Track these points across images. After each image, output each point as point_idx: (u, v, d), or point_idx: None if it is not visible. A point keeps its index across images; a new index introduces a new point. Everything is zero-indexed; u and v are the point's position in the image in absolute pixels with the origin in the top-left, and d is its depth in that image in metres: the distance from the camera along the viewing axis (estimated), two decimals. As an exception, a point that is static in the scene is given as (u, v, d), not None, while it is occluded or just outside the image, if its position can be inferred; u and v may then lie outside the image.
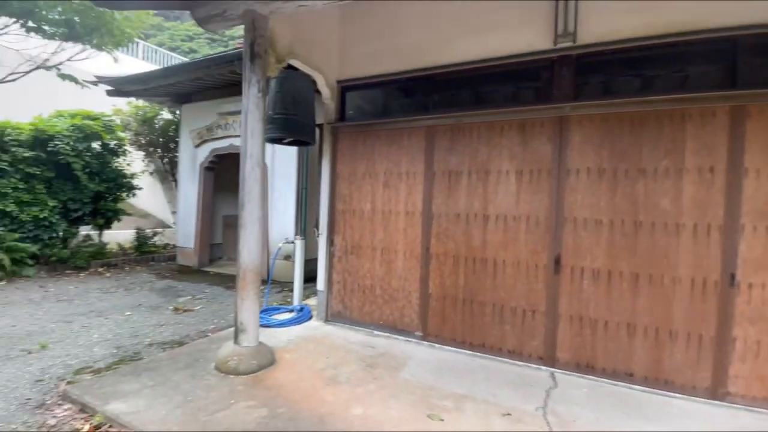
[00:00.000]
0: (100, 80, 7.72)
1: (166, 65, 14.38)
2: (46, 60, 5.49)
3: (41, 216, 6.50)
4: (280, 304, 5.13)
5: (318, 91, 4.30)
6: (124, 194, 8.13)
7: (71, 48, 5.96)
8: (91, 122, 7.27)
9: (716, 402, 2.79)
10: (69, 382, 2.96)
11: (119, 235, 8.74)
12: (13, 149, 6.39)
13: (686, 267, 2.89)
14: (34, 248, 6.33)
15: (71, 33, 5.04)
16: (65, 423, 2.45)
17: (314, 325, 4.25)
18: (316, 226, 4.57)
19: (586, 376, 3.19)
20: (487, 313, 3.58)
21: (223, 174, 8.50)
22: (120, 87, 7.84)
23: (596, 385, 3.09)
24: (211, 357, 3.32)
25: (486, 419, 2.51)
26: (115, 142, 7.81)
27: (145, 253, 8.47)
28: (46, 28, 4.81)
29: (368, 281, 4.11)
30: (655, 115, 3.01)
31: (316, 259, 4.41)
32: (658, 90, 3.19)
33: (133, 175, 8.43)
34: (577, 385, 3.07)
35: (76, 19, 4.77)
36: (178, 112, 9.72)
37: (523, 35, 3.47)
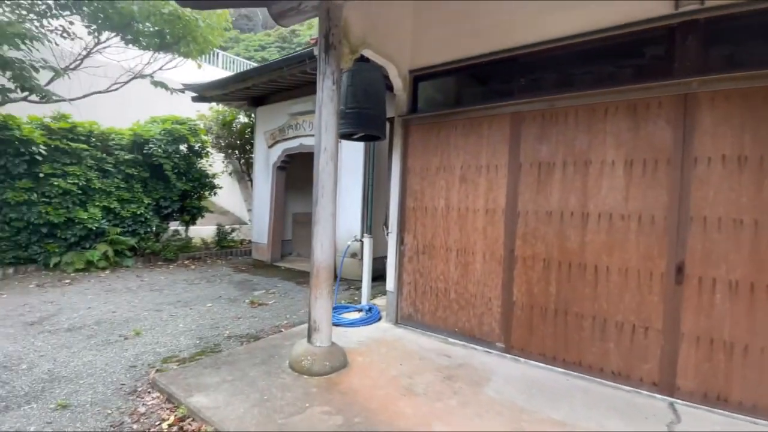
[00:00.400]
0: (186, 87, 8.38)
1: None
2: (141, 70, 6.01)
3: (138, 212, 7.21)
4: (348, 302, 5.06)
5: (388, 84, 4.12)
6: (206, 193, 8.75)
7: (161, 59, 6.48)
8: (179, 126, 7.92)
9: None
10: (158, 370, 3.10)
11: (202, 231, 9.45)
12: (116, 152, 7.16)
13: None
14: (132, 241, 7.03)
15: (162, 43, 5.46)
16: (153, 412, 2.53)
17: (384, 327, 4.07)
18: (386, 224, 4.39)
19: (718, 410, 2.59)
20: (585, 326, 3.10)
21: (294, 173, 8.77)
22: (203, 93, 8.44)
23: (731, 422, 2.49)
24: (285, 354, 3.30)
25: (595, 457, 2.10)
26: (198, 144, 8.42)
27: (225, 247, 9.05)
28: (141, 39, 5.25)
29: (441, 284, 3.82)
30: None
31: (382, 258, 4.23)
32: (829, 52, 2.47)
33: (214, 175, 9.05)
34: (707, 421, 2.50)
35: (166, 29, 5.13)
36: (253, 115, 10.28)
37: (633, 1, 2.92)
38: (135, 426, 2.38)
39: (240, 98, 8.75)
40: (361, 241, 4.80)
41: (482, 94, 4.01)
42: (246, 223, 11.11)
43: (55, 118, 6.57)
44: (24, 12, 3.93)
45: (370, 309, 4.46)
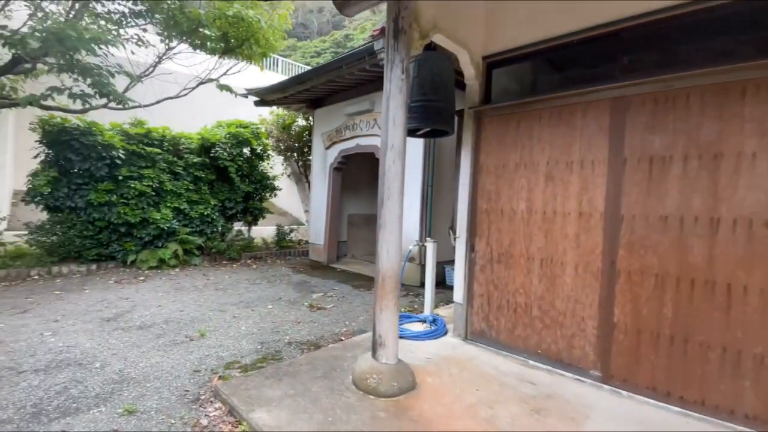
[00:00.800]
0: (249, 92, 8.63)
1: (300, 77, 15.79)
2: (208, 74, 6.19)
3: (205, 213, 7.49)
4: (409, 311, 4.73)
5: (457, 73, 3.74)
6: (267, 194, 8.94)
7: (226, 65, 6.65)
8: (242, 130, 8.14)
9: None
10: (221, 377, 3.00)
11: (263, 231, 9.70)
12: (186, 156, 7.51)
13: None
14: (199, 241, 7.32)
15: (226, 46, 5.56)
16: (215, 425, 2.39)
17: (452, 343, 3.68)
18: (452, 227, 4.00)
19: None
20: (712, 359, 2.48)
21: (349, 174, 8.67)
22: (264, 97, 8.64)
23: None
24: (347, 367, 3.05)
25: None
26: (260, 147, 8.62)
27: (284, 247, 9.19)
28: (207, 43, 5.39)
29: (521, 298, 3.35)
30: None
31: (440, 263, 3.83)
32: None
33: (274, 177, 9.22)
34: None
35: (230, 32, 5.19)
36: (311, 118, 10.38)
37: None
38: (196, 441, 2.24)
39: (299, 101, 8.83)
40: (423, 245, 4.46)
41: (573, 78, 3.48)
42: (303, 224, 11.27)
43: (133, 124, 7.03)
44: (102, 21, 4.15)
45: (434, 320, 4.10)
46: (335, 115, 8.16)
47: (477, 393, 2.73)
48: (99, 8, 4.65)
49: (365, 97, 7.29)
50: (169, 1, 4.80)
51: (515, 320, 3.38)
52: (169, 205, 7.02)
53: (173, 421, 2.41)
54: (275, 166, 10.27)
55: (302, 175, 11.90)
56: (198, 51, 5.76)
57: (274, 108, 11.12)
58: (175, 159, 7.35)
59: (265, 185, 8.79)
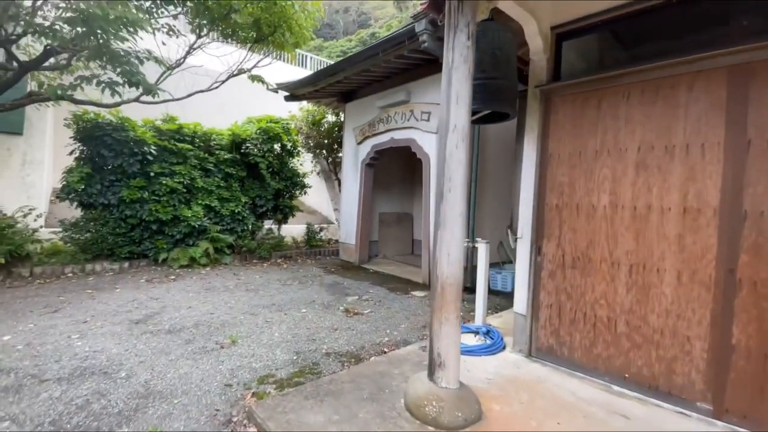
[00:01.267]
0: (279, 86, 8.39)
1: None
2: (239, 64, 5.94)
3: (236, 210, 7.29)
4: (457, 319, 4.26)
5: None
6: (297, 192, 8.67)
7: (256, 57, 6.38)
8: (273, 125, 7.90)
9: None
10: (254, 394, 2.65)
11: (293, 230, 9.46)
12: (217, 152, 7.33)
13: None
14: (230, 239, 7.12)
15: (258, 35, 5.27)
16: (249, 458, 2.02)
17: (513, 360, 3.19)
18: (510, 227, 3.51)
19: None
20: None
21: (380, 170, 8.25)
22: (294, 91, 8.37)
23: None
24: (397, 387, 2.64)
25: None
26: (290, 143, 8.36)
27: (314, 246, 8.91)
28: (238, 32, 5.11)
29: (602, 311, 2.82)
30: None
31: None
32: None
33: (304, 174, 8.96)
34: None
35: (262, 18, 4.89)
36: (342, 114, 10.07)
37: None
38: (228, 479, 1.88)
39: (330, 94, 8.51)
40: (473, 245, 3.98)
41: (670, 46, 2.89)
42: (332, 223, 10.98)
43: (164, 120, 6.91)
44: (133, 10, 3.94)
45: (488, 332, 3.61)
46: (368, 108, 7.77)
47: (559, 428, 2.24)
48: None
49: (401, 87, 6.86)
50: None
51: (594, 336, 2.85)
52: (200, 202, 6.85)
53: (202, 451, 2.07)
54: (304, 163, 10.04)
55: (331, 173, 11.62)
56: (229, 41, 5.51)
57: (304, 104, 10.90)
58: (206, 155, 7.19)
59: (295, 182, 8.52)
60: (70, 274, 5.74)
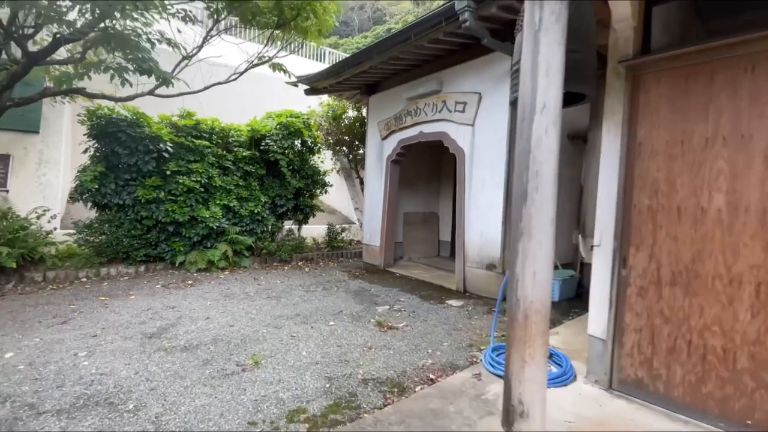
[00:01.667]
0: (299, 79, 7.95)
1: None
2: (260, 53, 5.51)
3: (255, 211, 6.90)
4: (503, 338, 3.73)
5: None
6: (318, 191, 8.24)
7: (276, 48, 5.95)
8: (294, 119, 7.48)
9: None
10: (283, 436, 2.20)
11: (313, 230, 9.04)
12: (235, 149, 6.95)
13: None
14: (249, 241, 6.73)
15: (279, 19, 4.81)
16: None
17: (592, 395, 2.64)
18: (580, 231, 2.94)
19: None
20: None
21: (404, 167, 7.72)
22: (315, 84, 7.91)
23: None
24: (456, 432, 2.13)
25: None
26: (311, 139, 7.93)
27: (335, 248, 8.47)
28: (258, 17, 4.67)
29: (715, 340, 2.24)
30: None
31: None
32: None
33: (325, 172, 8.53)
34: None
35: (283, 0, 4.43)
36: (364, 109, 9.59)
37: None
38: None
39: (353, 87, 8.03)
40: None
41: (745, 24, 2.28)
42: (353, 223, 10.52)
43: (181, 115, 6.56)
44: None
45: (552, 356, 3.07)
46: (394, 100, 7.26)
47: (686, 503, 1.70)
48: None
49: (432, 76, 6.32)
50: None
51: (703, 371, 2.28)
52: (218, 202, 6.48)
53: None
54: (325, 161, 9.61)
55: (352, 170, 11.17)
56: (248, 26, 5.08)
57: (323, 99, 10.47)
58: (225, 152, 6.81)
59: (316, 181, 8.08)
60: (84, 279, 5.44)
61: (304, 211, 8.01)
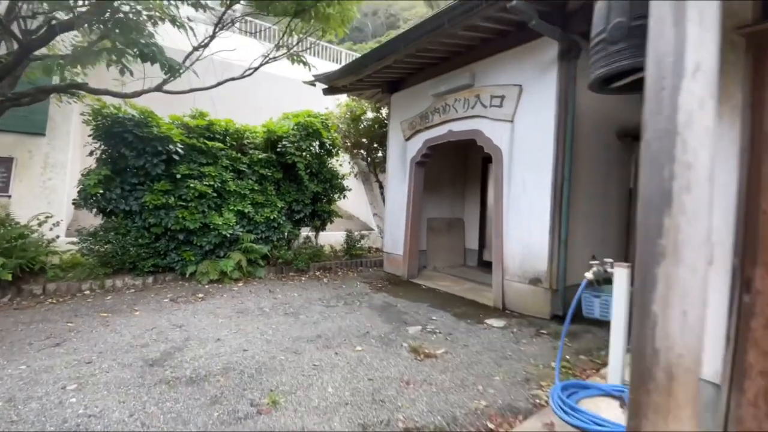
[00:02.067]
0: (317, 78, 7.52)
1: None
2: (279, 43, 5.07)
3: (271, 217, 6.44)
4: (570, 373, 3.13)
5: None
6: (336, 196, 7.76)
7: (293, 40, 5.50)
8: (312, 119, 7.03)
9: None
10: None
11: (330, 237, 8.55)
12: (251, 152, 6.52)
13: None
14: (265, 249, 6.26)
15: (299, 5, 4.35)
16: None
17: (706, 456, 2.02)
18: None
19: None
20: None
21: (428, 170, 7.17)
22: (334, 82, 7.45)
23: None
24: None
25: None
26: (329, 141, 7.46)
27: (354, 256, 7.96)
28: (276, 3, 4.22)
29: None
30: None
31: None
32: None
33: (344, 176, 8.05)
34: None
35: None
36: (384, 109, 9.11)
37: None
38: None
39: (374, 84, 7.55)
40: (604, 269, 2.83)
41: None
42: (372, 229, 10.00)
43: (193, 116, 6.17)
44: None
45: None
46: (419, 97, 6.74)
47: None
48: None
49: (463, 69, 5.79)
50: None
51: None
52: (232, 208, 6.04)
53: None
54: (343, 164, 9.15)
55: (371, 174, 10.67)
56: (265, 12, 4.65)
57: (341, 100, 10.04)
58: (239, 155, 6.39)
59: (334, 185, 7.60)
60: (87, 292, 5.03)
61: (321, 217, 7.52)
